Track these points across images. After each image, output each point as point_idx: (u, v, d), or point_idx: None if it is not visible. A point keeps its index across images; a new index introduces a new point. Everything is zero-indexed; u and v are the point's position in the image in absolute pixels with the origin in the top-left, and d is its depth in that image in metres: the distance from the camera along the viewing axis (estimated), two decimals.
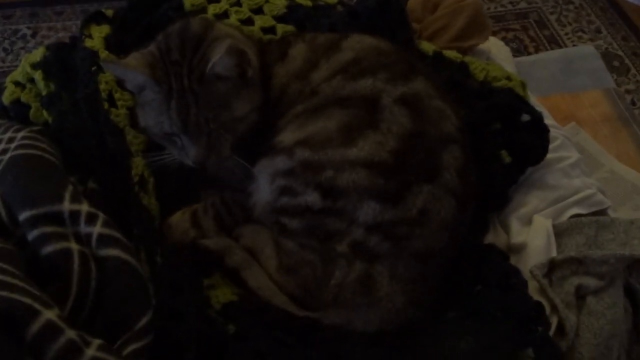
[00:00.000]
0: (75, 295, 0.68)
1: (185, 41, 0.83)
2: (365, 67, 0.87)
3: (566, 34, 2.44)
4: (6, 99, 1.03)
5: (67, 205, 0.75)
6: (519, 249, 0.93)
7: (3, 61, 2.05)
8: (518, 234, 0.94)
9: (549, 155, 1.01)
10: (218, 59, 0.79)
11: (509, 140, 0.97)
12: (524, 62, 1.45)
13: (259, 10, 1.13)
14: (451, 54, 1.09)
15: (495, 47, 1.32)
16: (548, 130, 0.99)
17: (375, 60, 0.89)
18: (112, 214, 0.84)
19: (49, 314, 0.61)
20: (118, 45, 1.05)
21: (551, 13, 2.54)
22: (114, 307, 0.68)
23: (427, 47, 1.11)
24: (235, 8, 1.12)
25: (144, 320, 0.68)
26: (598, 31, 2.45)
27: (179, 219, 0.95)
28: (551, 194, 0.98)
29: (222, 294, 0.84)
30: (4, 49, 2.09)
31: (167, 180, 0.97)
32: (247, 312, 0.81)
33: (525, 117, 1.00)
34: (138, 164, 0.92)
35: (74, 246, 0.72)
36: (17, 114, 1.02)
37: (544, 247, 0.90)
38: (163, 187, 0.95)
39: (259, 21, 1.10)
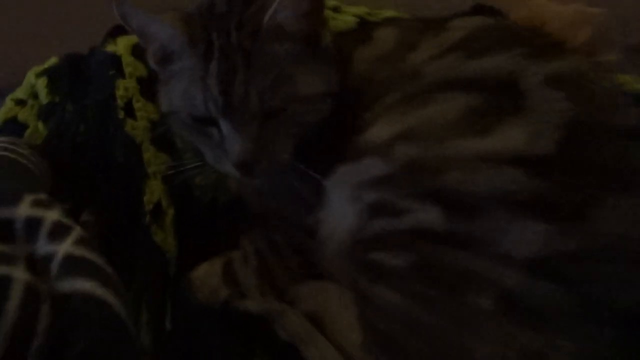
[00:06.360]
0: (3, 353, 0.36)
1: None
2: (492, 42, 0.60)
3: None
4: (0, 116, 0.79)
5: (23, 210, 0.46)
6: None
7: None
8: None
9: None
10: (281, 3, 0.52)
11: None
12: None
13: None
14: None
15: None
16: None
17: (503, 34, 0.61)
18: (111, 256, 0.55)
19: None
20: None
21: None
22: None
23: None
24: None
25: None
26: None
27: (207, 272, 0.64)
28: None
29: None
30: None
31: (194, 216, 0.68)
32: None
33: None
34: (154, 189, 0.66)
35: (19, 274, 0.41)
36: (11, 134, 0.77)
37: None
38: (187, 225, 0.66)
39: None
